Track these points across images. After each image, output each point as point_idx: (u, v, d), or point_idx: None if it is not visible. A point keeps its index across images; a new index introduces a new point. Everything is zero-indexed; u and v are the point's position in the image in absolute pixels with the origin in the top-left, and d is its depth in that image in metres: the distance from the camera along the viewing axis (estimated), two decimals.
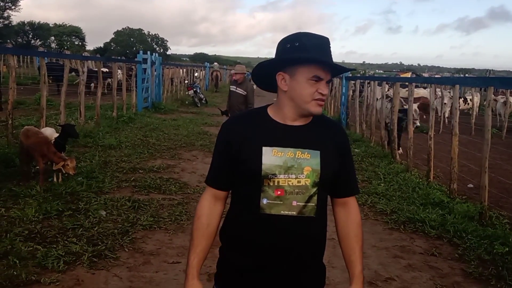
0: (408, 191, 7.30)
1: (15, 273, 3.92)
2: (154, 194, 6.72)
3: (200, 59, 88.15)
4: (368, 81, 16.74)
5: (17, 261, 4.15)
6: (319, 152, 1.82)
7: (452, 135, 7.16)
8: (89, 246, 4.65)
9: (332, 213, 2.01)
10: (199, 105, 21.12)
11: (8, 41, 55.08)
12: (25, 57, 27.38)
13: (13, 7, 59.30)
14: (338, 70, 1.86)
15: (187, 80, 28.12)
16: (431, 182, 7.73)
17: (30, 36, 69.79)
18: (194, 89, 21.78)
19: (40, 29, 69.92)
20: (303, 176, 1.79)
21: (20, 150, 6.84)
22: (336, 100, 18.90)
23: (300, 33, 1.83)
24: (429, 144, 8.04)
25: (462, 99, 17.96)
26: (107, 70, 20.52)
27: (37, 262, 4.21)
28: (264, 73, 1.92)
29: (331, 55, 1.81)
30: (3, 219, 5.17)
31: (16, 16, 65.20)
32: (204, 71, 35.09)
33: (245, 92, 8.56)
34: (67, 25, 77.24)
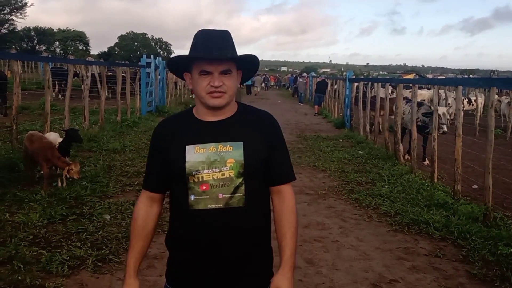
0: (412, 192, 7.28)
1: (19, 278, 3.94)
2: None
3: None
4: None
5: (22, 266, 4.17)
6: (242, 143, 1.86)
7: (455, 136, 7.15)
8: (93, 250, 4.67)
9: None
10: None
11: (13, 46, 55.36)
12: (30, 62, 27.52)
13: (18, 14, 59.60)
14: (241, 60, 1.90)
15: None
16: (435, 184, 7.71)
17: (35, 41, 70.11)
18: None
19: (44, 35, 70.21)
20: (227, 168, 1.84)
21: (24, 155, 6.88)
22: (340, 102, 18.91)
23: (199, 31, 1.90)
24: (433, 146, 8.03)
25: (466, 100, 17.92)
26: (111, 74, 20.62)
27: (41, 266, 4.23)
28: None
29: (221, 47, 1.83)
30: (8, 224, 5.20)
31: (21, 23, 65.60)
32: None
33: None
34: (71, 30, 77.55)
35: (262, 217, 1.95)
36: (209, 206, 1.83)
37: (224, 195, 1.84)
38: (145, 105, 16.70)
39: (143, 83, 16.57)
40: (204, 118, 1.92)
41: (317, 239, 5.43)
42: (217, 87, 1.83)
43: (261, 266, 1.97)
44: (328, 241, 5.40)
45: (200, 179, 1.84)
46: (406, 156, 10.19)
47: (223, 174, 1.83)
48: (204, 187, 1.84)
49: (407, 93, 15.77)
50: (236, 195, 1.84)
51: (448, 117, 16.49)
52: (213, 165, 1.84)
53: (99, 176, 7.38)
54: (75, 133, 7.24)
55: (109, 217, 5.66)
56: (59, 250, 4.60)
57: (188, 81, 1.95)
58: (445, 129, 9.56)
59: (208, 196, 1.83)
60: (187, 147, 1.86)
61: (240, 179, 1.85)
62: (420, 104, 10.15)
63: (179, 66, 1.96)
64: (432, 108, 9.52)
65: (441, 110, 9.97)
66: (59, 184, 6.70)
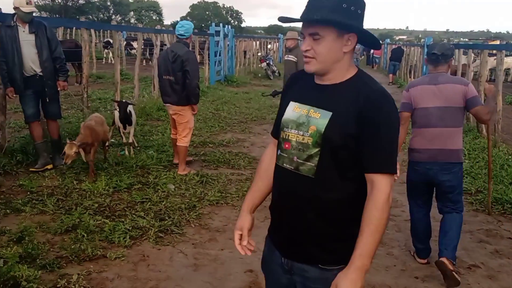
0: (496, 169, 6.66)
1: (81, 247, 3.94)
2: (222, 168, 6.61)
3: (274, 31, 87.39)
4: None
5: (85, 235, 4.18)
6: (331, 113, 1.77)
7: None
8: (156, 220, 4.61)
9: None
10: (271, 78, 20.85)
11: (90, 17, 57.40)
12: (106, 32, 28.29)
13: None
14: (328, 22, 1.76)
15: (260, 52, 27.87)
16: None
17: (111, 12, 72.30)
18: (267, 62, 21.48)
19: (120, 5, 72.27)
20: (308, 134, 1.80)
21: None
22: (417, 70, 17.95)
23: None
24: None
25: None
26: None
27: (104, 236, 4.22)
28: None
29: (312, 8, 1.77)
30: (75, 191, 5.26)
31: None
32: (277, 43, 34.65)
33: (296, 58, 8.36)
34: (145, 0, 79.30)
35: (338, 199, 1.80)
36: (284, 165, 1.87)
37: (297, 159, 1.82)
38: (214, 74, 16.64)
39: (212, 52, 16.46)
40: (316, 79, 1.88)
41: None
42: (304, 51, 1.79)
43: (327, 249, 1.84)
44: (400, 220, 5.03)
45: (286, 137, 1.87)
46: None
47: (303, 139, 1.81)
48: (286, 146, 1.86)
49: (492, 60, 14.67)
50: (308, 163, 1.79)
51: None
52: (299, 127, 1.83)
53: (165, 145, 7.36)
54: (123, 106, 6.67)
55: (173, 187, 5.60)
56: (122, 220, 4.58)
57: None
58: None
59: (286, 155, 1.86)
60: (291, 103, 1.90)
61: (316, 149, 1.77)
62: None
63: None
64: None
65: None
66: (126, 152, 6.73)
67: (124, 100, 6.66)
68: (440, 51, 3.87)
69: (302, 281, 1.91)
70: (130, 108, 6.74)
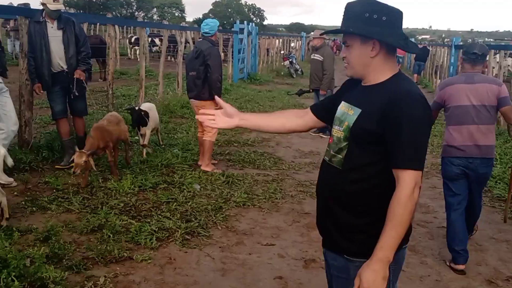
0: None
1: (108, 248, 3.87)
2: (248, 168, 6.50)
3: (296, 29, 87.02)
4: None
5: (111, 235, 4.11)
6: (360, 110, 1.90)
7: None
8: (182, 222, 4.53)
9: None
10: (294, 76, 20.68)
11: (113, 12, 57.82)
12: (129, 28, 28.41)
13: None
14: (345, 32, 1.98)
15: (283, 50, 27.71)
16: None
17: (134, 8, 72.78)
18: (290, 60, 21.34)
19: (143, 1, 72.72)
20: (342, 129, 1.96)
21: None
22: (443, 71, 17.59)
23: None
24: None
25: None
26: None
27: (130, 237, 4.15)
28: None
29: (344, 20, 1.93)
30: (101, 190, 5.20)
31: None
32: (300, 41, 34.41)
33: (322, 58, 8.26)
34: None
35: (360, 191, 1.91)
36: (325, 157, 2.05)
37: (332, 152, 1.99)
38: (237, 72, 16.54)
39: (236, 49, 16.35)
40: (362, 81, 2.02)
41: (421, 223, 4.91)
42: (343, 58, 2.00)
43: (349, 239, 1.95)
44: (433, 227, 4.87)
45: (332, 132, 2.04)
46: None
47: (339, 133, 1.97)
48: (330, 140, 2.04)
49: None
50: (338, 155, 1.96)
51: None
52: (340, 123, 1.98)
53: (190, 144, 7.29)
54: (134, 115, 6.49)
55: (199, 187, 5.52)
56: (148, 220, 4.50)
57: None
58: None
59: (328, 149, 2.03)
60: (341, 102, 2.04)
61: (345, 143, 1.93)
62: None
63: None
64: None
65: None
66: (149, 150, 6.65)
67: (136, 108, 6.55)
68: (480, 51, 4.04)
69: (333, 272, 2.08)
70: (147, 109, 6.63)
